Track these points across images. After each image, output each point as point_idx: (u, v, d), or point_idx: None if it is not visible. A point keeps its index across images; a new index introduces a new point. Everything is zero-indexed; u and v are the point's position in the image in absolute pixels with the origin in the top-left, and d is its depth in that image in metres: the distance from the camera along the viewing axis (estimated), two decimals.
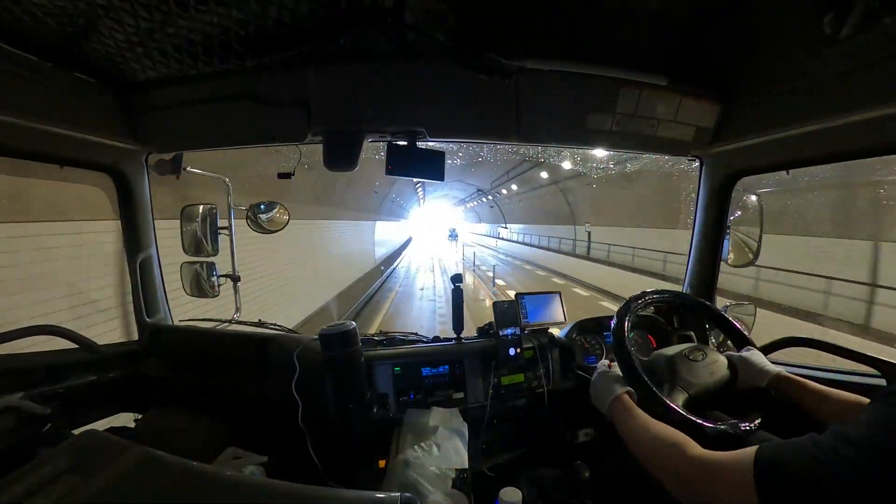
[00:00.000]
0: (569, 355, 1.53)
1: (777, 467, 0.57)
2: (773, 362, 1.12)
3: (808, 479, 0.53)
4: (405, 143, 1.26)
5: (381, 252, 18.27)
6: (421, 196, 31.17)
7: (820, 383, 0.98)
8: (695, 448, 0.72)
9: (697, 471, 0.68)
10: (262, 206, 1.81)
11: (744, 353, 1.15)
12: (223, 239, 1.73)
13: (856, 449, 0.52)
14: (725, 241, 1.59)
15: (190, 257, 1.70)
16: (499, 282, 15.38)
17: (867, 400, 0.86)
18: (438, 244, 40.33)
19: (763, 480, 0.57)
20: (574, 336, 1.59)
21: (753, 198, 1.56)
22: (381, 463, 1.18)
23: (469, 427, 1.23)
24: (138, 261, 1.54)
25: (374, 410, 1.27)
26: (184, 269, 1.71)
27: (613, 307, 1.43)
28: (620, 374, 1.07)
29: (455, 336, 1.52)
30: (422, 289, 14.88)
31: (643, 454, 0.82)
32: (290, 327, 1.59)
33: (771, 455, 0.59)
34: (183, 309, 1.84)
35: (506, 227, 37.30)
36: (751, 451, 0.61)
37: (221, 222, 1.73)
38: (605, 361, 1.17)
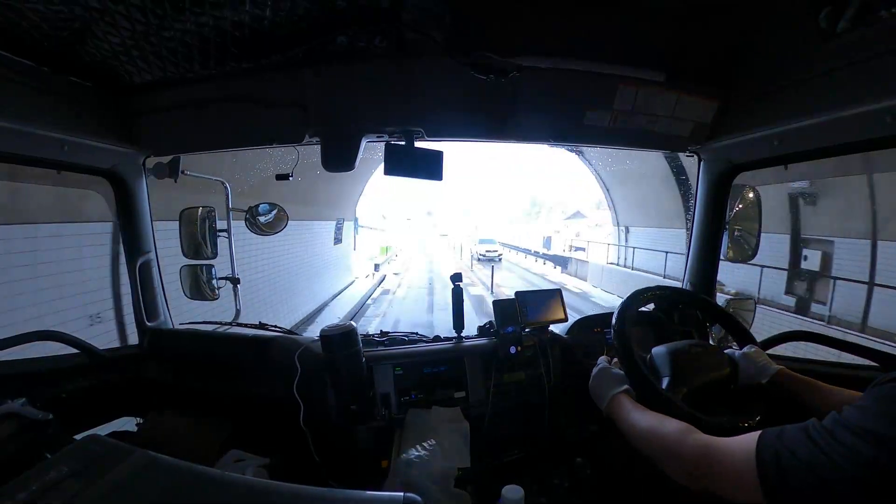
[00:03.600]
0: (569, 353, 1.53)
1: (779, 453, 0.57)
2: (772, 355, 1.11)
3: (810, 466, 0.53)
4: (403, 143, 1.26)
5: None
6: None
7: (819, 376, 0.98)
8: (697, 433, 0.73)
9: (700, 455, 0.68)
10: (261, 208, 1.80)
11: (745, 351, 1.14)
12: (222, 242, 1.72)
13: (857, 437, 0.52)
14: (724, 237, 1.59)
15: (189, 260, 1.70)
16: None
17: None
18: None
19: (765, 465, 0.57)
20: (575, 333, 1.59)
21: (751, 193, 1.57)
22: (384, 463, 1.18)
23: (471, 425, 1.23)
24: (138, 264, 1.53)
25: (376, 411, 1.27)
26: (183, 272, 1.70)
27: None
28: (620, 371, 1.06)
29: (455, 335, 1.52)
30: None
31: (644, 444, 0.81)
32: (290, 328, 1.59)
33: (773, 440, 0.59)
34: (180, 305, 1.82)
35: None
36: (754, 436, 0.61)
37: (220, 224, 1.73)
38: (605, 357, 1.16)
